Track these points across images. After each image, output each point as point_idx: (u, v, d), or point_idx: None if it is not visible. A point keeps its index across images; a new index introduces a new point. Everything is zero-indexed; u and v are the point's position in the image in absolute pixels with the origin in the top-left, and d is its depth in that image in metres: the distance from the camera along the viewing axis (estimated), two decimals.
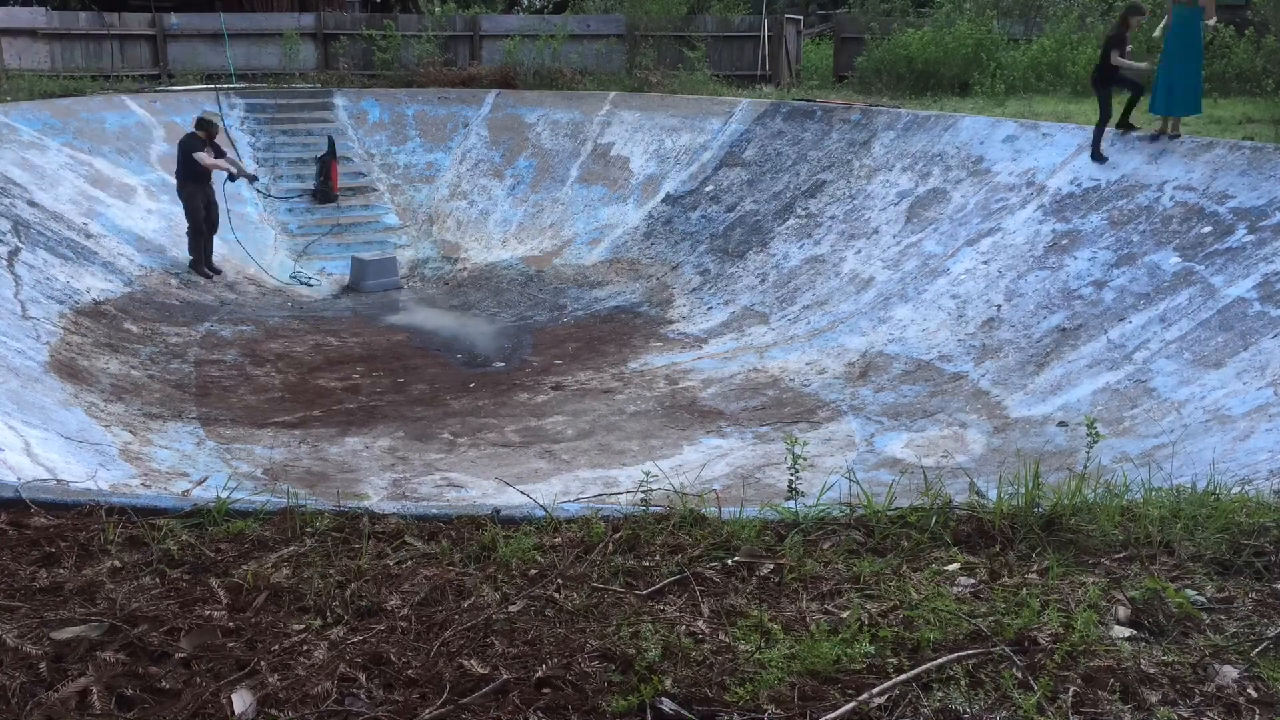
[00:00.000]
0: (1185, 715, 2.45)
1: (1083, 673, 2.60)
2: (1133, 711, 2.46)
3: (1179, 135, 10.76)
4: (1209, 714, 2.46)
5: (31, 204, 12.11)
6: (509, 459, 8.25)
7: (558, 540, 3.39)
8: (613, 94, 17.31)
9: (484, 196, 15.86)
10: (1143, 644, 2.74)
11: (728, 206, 14.05)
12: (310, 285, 13.65)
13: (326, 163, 15.36)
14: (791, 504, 3.77)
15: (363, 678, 2.57)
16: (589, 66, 19.14)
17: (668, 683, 2.52)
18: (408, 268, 14.62)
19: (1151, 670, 2.61)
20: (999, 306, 10.03)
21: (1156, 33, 11.35)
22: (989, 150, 12.33)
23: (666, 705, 2.44)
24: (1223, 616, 2.86)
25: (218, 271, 13.09)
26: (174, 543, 3.29)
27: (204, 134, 12.93)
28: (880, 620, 2.86)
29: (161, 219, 13.61)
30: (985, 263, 10.73)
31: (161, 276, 12.57)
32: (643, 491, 3.72)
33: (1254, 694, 2.53)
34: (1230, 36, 16.13)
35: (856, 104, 15.37)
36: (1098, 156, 11.05)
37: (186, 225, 12.97)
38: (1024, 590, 3.04)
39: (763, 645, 2.72)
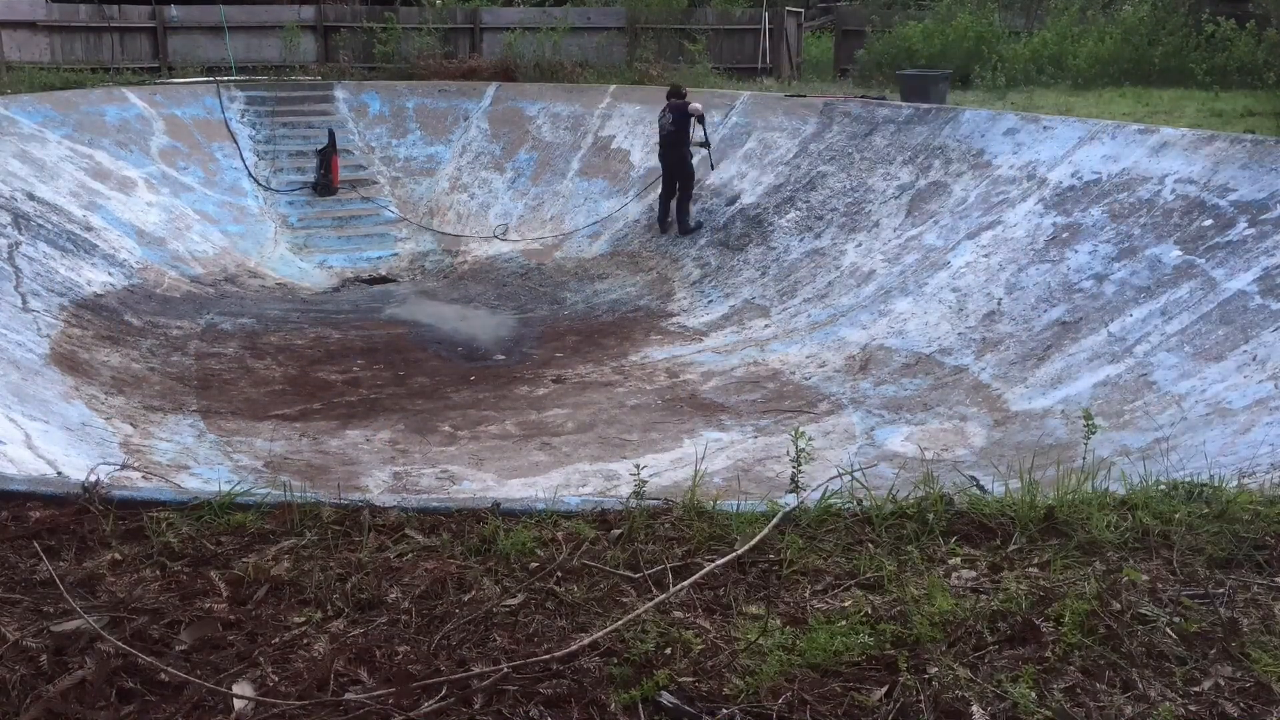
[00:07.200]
0: (1185, 709, 2.46)
1: (1082, 665, 2.60)
2: (1133, 703, 2.47)
3: None
4: (1208, 707, 2.46)
5: (32, 197, 12.10)
6: (509, 452, 8.25)
7: (558, 534, 3.39)
8: (613, 87, 17.28)
9: (484, 189, 15.85)
10: (1142, 637, 2.74)
11: (728, 199, 14.03)
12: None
13: (327, 156, 15.35)
14: (792, 497, 3.77)
15: (363, 671, 2.57)
16: (589, 59, 19.11)
17: (668, 676, 2.53)
18: (408, 261, 14.61)
19: (1151, 663, 2.62)
20: (999, 300, 10.01)
21: None
22: (990, 143, 12.30)
23: (666, 698, 2.44)
24: (1222, 610, 2.86)
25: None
26: (174, 535, 3.29)
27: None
28: (880, 613, 2.87)
29: (162, 211, 13.60)
30: (986, 256, 10.72)
31: (161, 269, 12.57)
32: (642, 482, 3.72)
33: (1251, 688, 2.53)
34: (1232, 29, 16.08)
35: (856, 97, 15.34)
36: None
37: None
38: (1024, 583, 3.04)
39: (763, 638, 2.72)
